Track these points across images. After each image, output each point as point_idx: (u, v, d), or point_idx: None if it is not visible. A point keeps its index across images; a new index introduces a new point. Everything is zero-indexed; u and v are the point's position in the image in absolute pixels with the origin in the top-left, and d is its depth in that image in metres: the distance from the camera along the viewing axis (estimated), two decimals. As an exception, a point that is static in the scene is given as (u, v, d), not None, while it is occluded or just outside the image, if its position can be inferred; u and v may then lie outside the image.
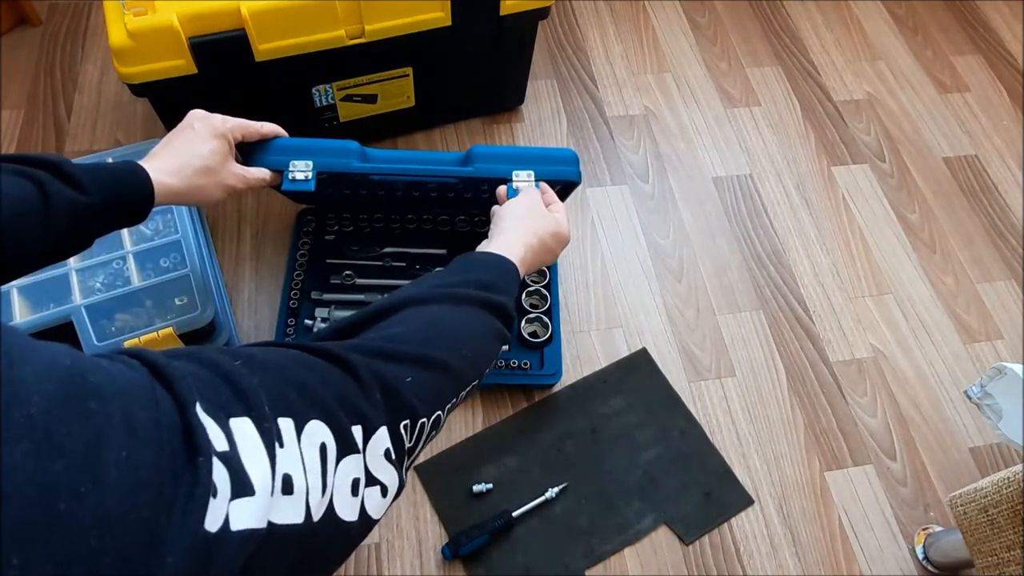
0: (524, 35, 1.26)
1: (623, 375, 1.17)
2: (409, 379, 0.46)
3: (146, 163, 0.72)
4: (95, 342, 0.86)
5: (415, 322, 0.53)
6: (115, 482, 0.25)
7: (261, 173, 0.85)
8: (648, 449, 1.10)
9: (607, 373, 1.16)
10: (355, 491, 0.39)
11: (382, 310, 0.54)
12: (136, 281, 0.94)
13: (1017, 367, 0.92)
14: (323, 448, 0.37)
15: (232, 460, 0.30)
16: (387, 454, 0.42)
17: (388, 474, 0.42)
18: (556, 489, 1.04)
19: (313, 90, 1.17)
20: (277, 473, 0.33)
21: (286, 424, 0.35)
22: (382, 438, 0.42)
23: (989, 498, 0.85)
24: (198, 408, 0.30)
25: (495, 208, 0.87)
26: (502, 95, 1.42)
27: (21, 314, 0.89)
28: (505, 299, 0.64)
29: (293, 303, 1.10)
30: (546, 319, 1.09)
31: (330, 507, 0.36)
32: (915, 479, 1.13)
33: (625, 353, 1.19)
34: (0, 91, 1.38)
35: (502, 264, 0.71)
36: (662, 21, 1.64)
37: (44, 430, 0.23)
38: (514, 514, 1.01)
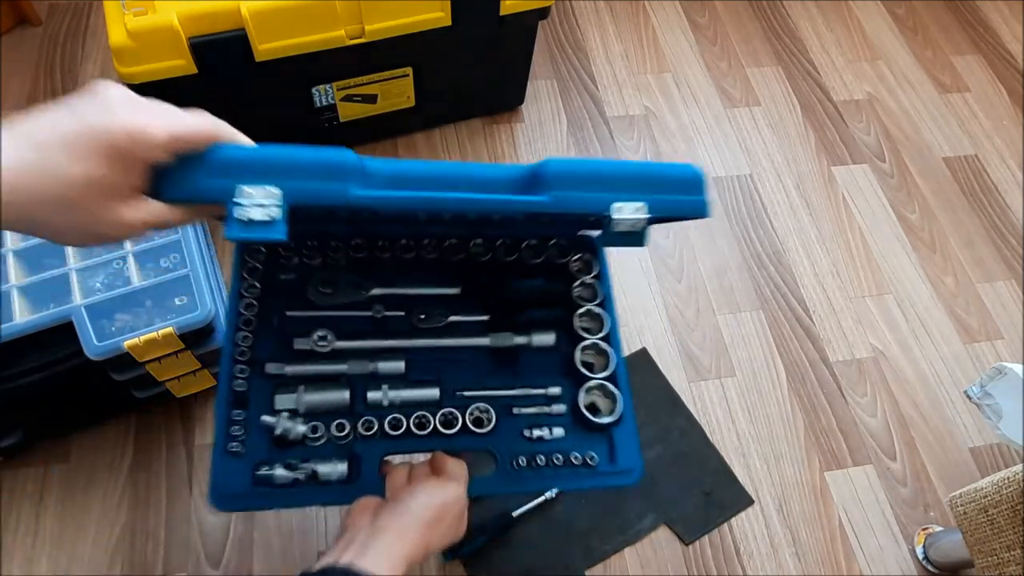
0: (524, 35, 1.26)
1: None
2: None
3: None
4: (95, 342, 0.86)
5: None
6: None
7: (162, 215, 0.47)
8: (648, 449, 1.10)
9: (607, 373, 1.16)
10: None
11: None
12: (136, 281, 0.94)
13: (1017, 367, 0.92)
14: None
15: None
16: None
17: None
18: (556, 489, 1.04)
19: (313, 90, 1.17)
20: None
21: None
22: None
23: (989, 498, 0.85)
24: None
25: (391, 484, 0.62)
26: (502, 95, 1.42)
27: (21, 314, 0.88)
28: None
29: (239, 386, 0.65)
30: (610, 386, 0.69)
31: None
32: (915, 479, 1.13)
33: (625, 353, 1.19)
34: (0, 91, 1.38)
35: None
36: (662, 21, 1.64)
37: None
38: (514, 514, 1.01)
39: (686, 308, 1.26)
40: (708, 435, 1.13)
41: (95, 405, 1.04)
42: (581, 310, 0.72)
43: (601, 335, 0.72)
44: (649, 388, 1.16)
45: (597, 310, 0.73)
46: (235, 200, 0.47)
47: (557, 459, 0.67)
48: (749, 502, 1.08)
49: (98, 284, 0.96)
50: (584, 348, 0.71)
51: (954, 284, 1.34)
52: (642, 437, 1.10)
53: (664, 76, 1.55)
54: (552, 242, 0.76)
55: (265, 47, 1.02)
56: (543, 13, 1.20)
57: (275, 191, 0.48)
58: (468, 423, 0.66)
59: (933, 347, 1.26)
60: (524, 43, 1.29)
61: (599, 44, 1.58)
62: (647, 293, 1.26)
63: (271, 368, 0.67)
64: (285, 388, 0.66)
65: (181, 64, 1.00)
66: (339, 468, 0.63)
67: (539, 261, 0.76)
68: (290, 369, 0.68)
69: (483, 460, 0.67)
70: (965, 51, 1.68)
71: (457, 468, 0.63)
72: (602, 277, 0.76)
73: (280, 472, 0.62)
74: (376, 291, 0.73)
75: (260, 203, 0.48)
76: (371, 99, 1.24)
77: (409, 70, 1.21)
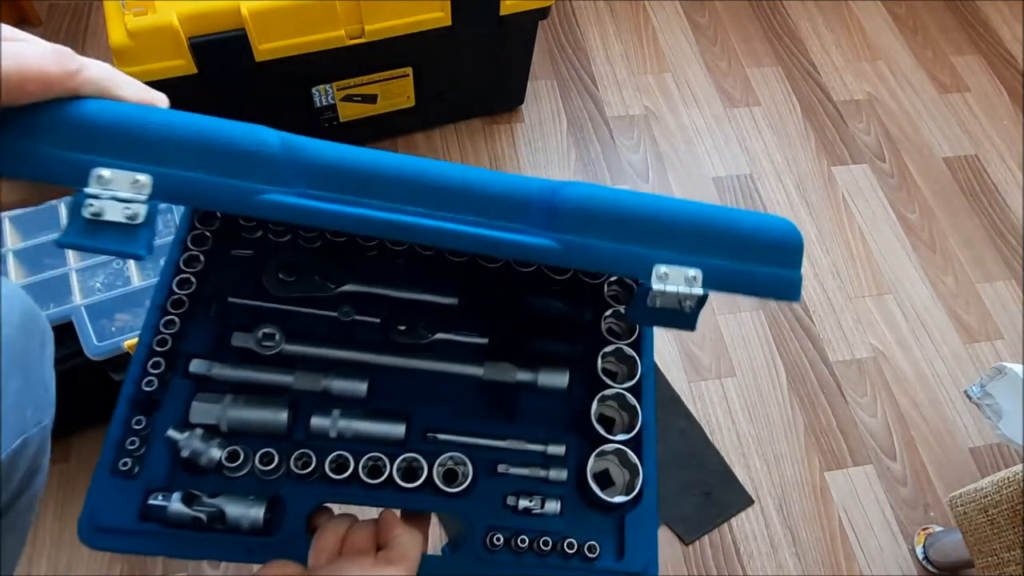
0: (524, 35, 1.26)
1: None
2: None
3: None
4: (95, 342, 0.86)
5: None
6: None
7: None
8: (648, 449, 1.10)
9: (607, 373, 1.17)
10: None
11: None
12: (136, 281, 0.94)
13: (1017, 367, 0.92)
14: None
15: None
16: None
17: None
18: None
19: (313, 90, 1.17)
20: None
21: None
22: None
23: (989, 498, 0.85)
24: None
25: (316, 547, 0.46)
26: (502, 95, 1.42)
27: (21, 314, 0.88)
28: None
29: (149, 384, 0.50)
30: (631, 454, 0.54)
31: None
32: (915, 479, 1.13)
33: (625, 353, 1.20)
34: (0, 91, 1.38)
35: None
36: (662, 21, 1.64)
37: None
38: None
39: (686, 308, 1.26)
40: (708, 435, 1.13)
41: (95, 405, 1.04)
42: (608, 348, 0.54)
43: (630, 384, 0.53)
44: (649, 388, 1.16)
45: (629, 351, 0.54)
46: (86, 189, 0.33)
47: (545, 543, 0.48)
48: (749, 502, 1.08)
49: (98, 284, 0.96)
50: (604, 399, 0.53)
51: (954, 284, 1.34)
52: (642, 437, 1.10)
53: (664, 76, 1.55)
54: None
55: (265, 47, 1.02)
56: (543, 13, 1.20)
57: (144, 179, 0.33)
58: (436, 476, 0.49)
59: (933, 347, 1.26)
60: (524, 43, 1.29)
61: (599, 44, 1.58)
62: (647, 293, 1.26)
63: (196, 366, 0.51)
64: (208, 395, 0.50)
65: (181, 64, 1.00)
66: (253, 513, 0.46)
67: (565, 277, 0.58)
68: (219, 371, 0.51)
69: (457, 524, 0.52)
70: (965, 51, 1.68)
71: (410, 545, 0.45)
72: None
73: (176, 506, 0.46)
74: (349, 287, 0.56)
75: (119, 195, 0.33)
76: (371, 99, 1.24)
77: (409, 70, 1.21)
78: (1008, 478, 0.83)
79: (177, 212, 1.04)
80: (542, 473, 0.52)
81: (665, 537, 1.05)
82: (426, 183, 0.39)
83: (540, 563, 0.49)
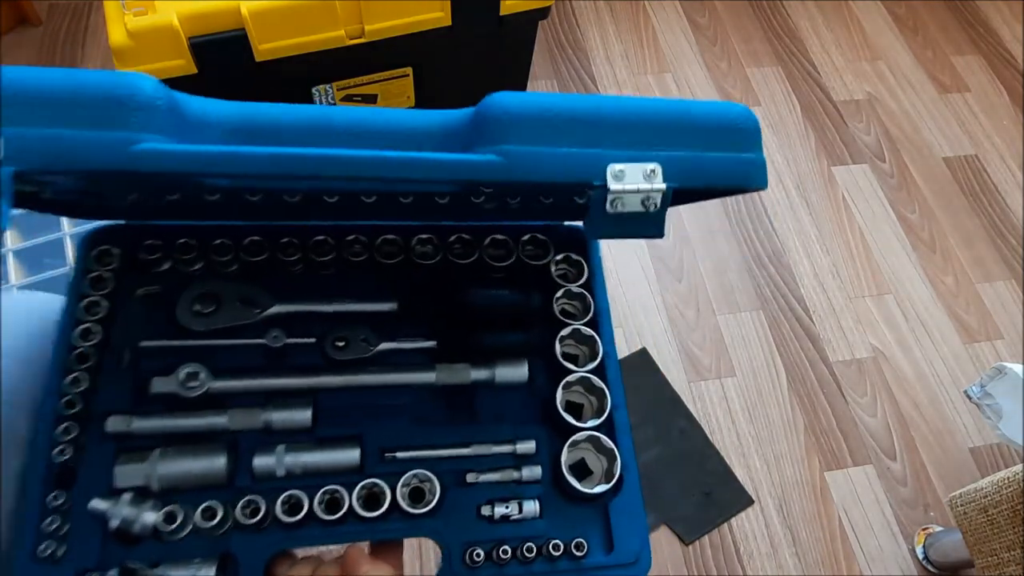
0: (524, 35, 1.26)
1: (623, 375, 1.17)
2: None
3: None
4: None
5: None
6: None
7: None
8: (648, 449, 1.10)
9: (607, 373, 1.17)
10: None
11: None
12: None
13: (1017, 367, 0.92)
14: None
15: None
16: None
17: None
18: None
19: (313, 90, 1.17)
20: None
21: None
22: None
23: (989, 498, 0.85)
24: None
25: None
26: (502, 95, 1.42)
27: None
28: None
29: (62, 454, 0.44)
30: (605, 439, 0.48)
31: None
32: (915, 479, 1.13)
33: (625, 353, 1.19)
34: (0, 91, 1.38)
35: None
36: (662, 21, 1.64)
37: None
38: None
39: (686, 308, 1.25)
40: (708, 435, 1.13)
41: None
42: (565, 331, 0.51)
43: (592, 366, 0.50)
44: (649, 388, 1.16)
45: (588, 331, 0.51)
46: None
47: (529, 550, 0.45)
48: (749, 502, 1.08)
49: (98, 284, 0.96)
50: (568, 385, 0.49)
51: (954, 284, 1.34)
52: (642, 437, 1.11)
53: (664, 76, 1.55)
54: (526, 236, 0.55)
55: (265, 47, 1.02)
56: (543, 13, 1.20)
57: None
58: (401, 499, 0.45)
59: (933, 347, 1.26)
60: (524, 43, 1.29)
61: (599, 44, 1.58)
62: (647, 293, 1.26)
63: (113, 424, 0.45)
64: (132, 454, 0.44)
65: (181, 64, 1.00)
66: (203, 575, 0.42)
67: (508, 263, 0.54)
68: (140, 425, 0.45)
69: None
70: (965, 51, 1.68)
71: None
72: (594, 283, 0.54)
73: None
74: (275, 309, 0.51)
75: None
76: (371, 99, 1.24)
77: (409, 70, 1.21)
78: (1008, 478, 0.83)
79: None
80: (515, 475, 0.48)
81: (665, 537, 1.04)
82: (340, 121, 0.34)
83: (526, 571, 0.45)
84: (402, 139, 0.35)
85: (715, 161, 0.36)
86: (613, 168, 0.35)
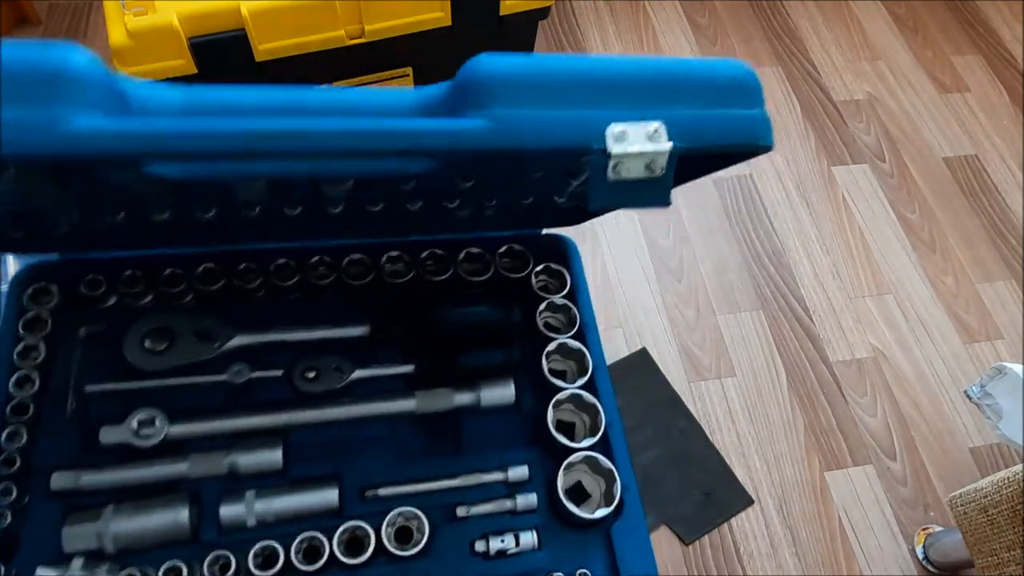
0: (524, 35, 1.26)
1: (623, 375, 1.17)
2: None
3: None
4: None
5: None
6: None
7: None
8: (648, 449, 1.10)
9: (607, 373, 1.16)
10: None
11: None
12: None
13: (1017, 367, 0.92)
14: None
15: None
16: None
17: None
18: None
19: (313, 90, 1.17)
20: None
21: None
22: None
23: (989, 498, 0.85)
24: None
25: None
26: (502, 95, 1.42)
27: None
28: None
29: (0, 517, 0.37)
30: (602, 459, 0.44)
31: None
32: (915, 479, 1.13)
33: (625, 353, 1.19)
34: (0, 91, 1.38)
35: None
36: (662, 21, 1.63)
37: None
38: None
39: (686, 308, 1.25)
40: (708, 435, 1.13)
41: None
42: (551, 346, 0.47)
43: (582, 381, 0.46)
44: (649, 388, 1.16)
45: (575, 344, 0.47)
46: None
47: None
48: (749, 502, 1.08)
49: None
50: (559, 403, 0.45)
51: (954, 284, 1.34)
52: (642, 437, 1.10)
53: (664, 76, 1.55)
54: (503, 248, 0.50)
55: (265, 47, 1.02)
56: (543, 13, 1.20)
57: None
58: (386, 540, 0.41)
59: (933, 347, 1.26)
60: (524, 43, 1.29)
61: (599, 44, 1.58)
62: (647, 293, 1.26)
63: (59, 481, 0.39)
64: (81, 514, 0.38)
65: (181, 64, 1.00)
66: None
67: (485, 277, 0.50)
68: (90, 479, 0.39)
69: None
70: (965, 51, 1.68)
71: None
72: (578, 294, 0.51)
73: None
74: (237, 340, 0.45)
75: None
76: (371, 99, 1.24)
77: (409, 70, 1.21)
78: (1008, 478, 0.83)
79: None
80: (508, 504, 0.44)
81: (665, 537, 1.04)
82: (303, 103, 0.29)
83: None
84: (376, 112, 0.30)
85: (719, 119, 0.33)
86: (613, 129, 0.31)
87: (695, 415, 1.15)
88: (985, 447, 1.17)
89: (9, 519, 0.37)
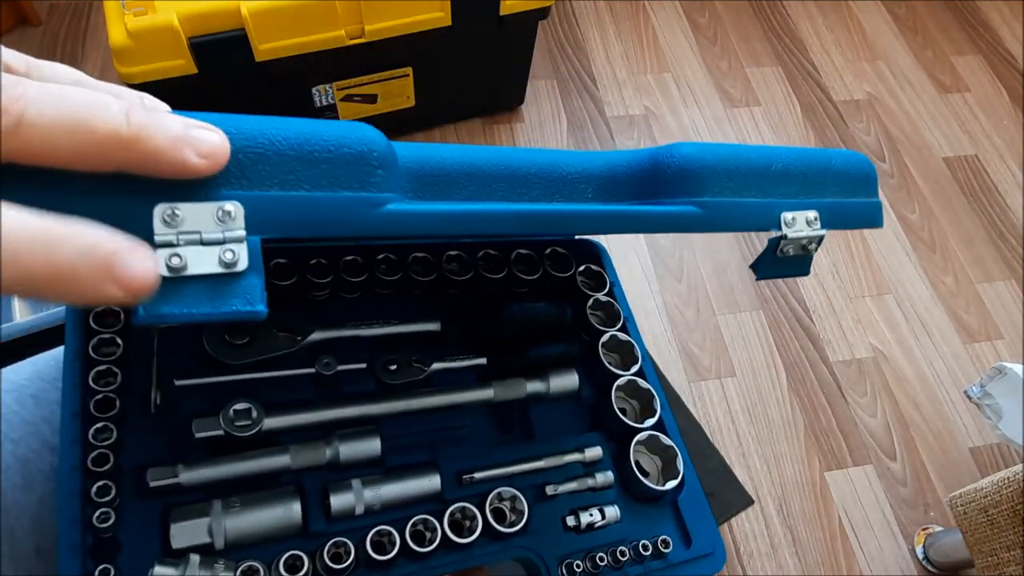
0: (524, 35, 1.26)
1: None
2: None
3: None
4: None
5: None
6: None
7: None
8: (648, 449, 1.10)
9: (607, 373, 1.17)
10: None
11: None
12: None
13: (1017, 367, 0.92)
14: None
15: None
16: None
17: None
18: (556, 489, 1.03)
19: (313, 90, 1.17)
20: None
21: None
22: None
23: (989, 498, 0.85)
24: None
25: None
26: (502, 95, 1.42)
27: (21, 314, 0.88)
28: None
29: (99, 520, 0.35)
30: (660, 436, 0.48)
31: None
32: (915, 479, 1.13)
33: (625, 353, 1.20)
34: None
35: None
36: (662, 21, 1.64)
37: None
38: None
39: (686, 308, 1.26)
40: (708, 435, 1.13)
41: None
42: (605, 337, 0.51)
43: (634, 370, 0.50)
44: (649, 388, 1.16)
45: (623, 336, 0.52)
46: (155, 236, 0.23)
47: (622, 553, 0.43)
48: (749, 502, 1.08)
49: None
50: (617, 389, 0.49)
51: (954, 284, 1.34)
52: (642, 437, 1.10)
53: (664, 76, 1.55)
54: (548, 251, 0.54)
55: (265, 47, 1.02)
56: (543, 13, 1.20)
57: (234, 208, 0.24)
58: (492, 519, 0.43)
59: (933, 347, 1.26)
60: (524, 43, 1.29)
61: (599, 44, 1.58)
62: (647, 293, 1.26)
63: (155, 478, 0.38)
64: (186, 509, 0.38)
65: (181, 64, 1.00)
66: None
67: (534, 277, 0.53)
68: (189, 475, 0.39)
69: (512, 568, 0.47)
70: (965, 51, 1.68)
71: None
72: (616, 292, 0.55)
73: None
74: (318, 335, 0.46)
75: (204, 236, 0.23)
76: (371, 99, 1.24)
77: (409, 70, 1.21)
78: (1008, 478, 0.83)
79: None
80: (590, 482, 0.47)
81: (665, 537, 1.05)
82: (507, 169, 0.33)
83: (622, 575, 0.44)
84: (568, 183, 0.35)
85: (853, 207, 0.40)
86: (786, 216, 0.37)
87: (695, 415, 1.15)
88: (985, 447, 1.17)
89: (111, 520, 0.35)
